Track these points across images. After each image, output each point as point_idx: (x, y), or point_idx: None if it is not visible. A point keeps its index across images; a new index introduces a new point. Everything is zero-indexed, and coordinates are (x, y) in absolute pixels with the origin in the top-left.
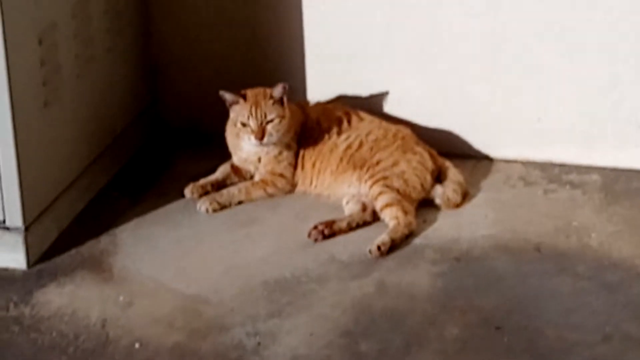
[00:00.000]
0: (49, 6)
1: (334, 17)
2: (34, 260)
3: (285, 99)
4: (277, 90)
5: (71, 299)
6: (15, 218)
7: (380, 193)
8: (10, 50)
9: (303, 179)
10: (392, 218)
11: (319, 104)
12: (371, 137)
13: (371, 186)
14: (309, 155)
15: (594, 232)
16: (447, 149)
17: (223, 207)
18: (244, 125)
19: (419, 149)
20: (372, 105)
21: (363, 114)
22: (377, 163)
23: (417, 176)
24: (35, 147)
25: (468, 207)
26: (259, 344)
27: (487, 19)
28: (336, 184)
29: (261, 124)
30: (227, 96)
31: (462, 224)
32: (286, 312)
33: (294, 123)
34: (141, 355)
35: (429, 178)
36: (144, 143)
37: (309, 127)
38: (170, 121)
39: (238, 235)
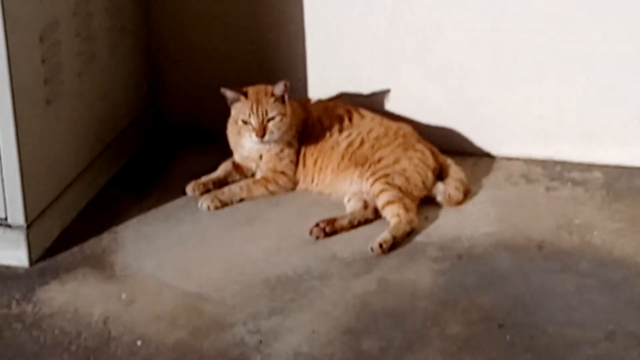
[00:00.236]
0: (50, 4)
1: (335, 15)
2: (36, 257)
3: (286, 97)
4: (279, 88)
5: (73, 297)
6: (17, 216)
7: (381, 191)
8: (11, 48)
9: (304, 176)
10: (393, 215)
11: (320, 102)
12: (372, 135)
13: (372, 184)
14: (311, 153)
15: (596, 230)
16: (449, 146)
17: (225, 204)
18: (245, 122)
19: (420, 146)
20: (373, 102)
21: (364, 112)
22: (379, 161)
23: (418, 174)
24: (37, 145)
25: (470, 204)
26: (260, 341)
27: (489, 17)
28: (337, 182)
29: (262, 121)
30: (228, 94)
31: (464, 222)
32: (288, 310)
33: (295, 121)
34: (143, 352)
35: (430, 175)
36: (145, 141)
37: (310, 124)
38: (171, 119)
39: (240, 232)
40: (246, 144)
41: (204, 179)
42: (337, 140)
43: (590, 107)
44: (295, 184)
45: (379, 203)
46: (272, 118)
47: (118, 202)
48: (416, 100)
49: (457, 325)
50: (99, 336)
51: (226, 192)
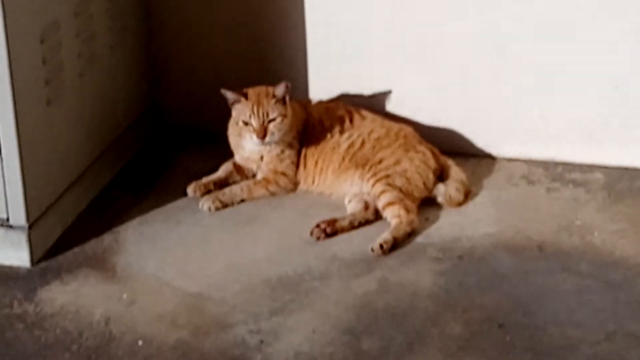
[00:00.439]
0: (50, 5)
1: (336, 15)
2: (37, 258)
3: (287, 98)
4: (280, 89)
5: (75, 297)
6: (18, 216)
7: (382, 192)
8: (12, 49)
9: (305, 177)
10: (394, 216)
11: (321, 103)
12: (373, 136)
13: (373, 185)
14: (311, 154)
15: (597, 231)
16: (450, 147)
17: (225, 205)
18: (245, 124)
19: (421, 147)
20: (374, 103)
21: (365, 113)
22: (380, 162)
23: (419, 175)
24: (38, 146)
25: (470, 205)
26: (261, 341)
27: (490, 17)
28: (338, 183)
29: (263, 122)
30: (229, 95)
31: (465, 223)
32: (289, 310)
33: (296, 122)
34: (144, 352)
35: (431, 176)
36: (146, 141)
37: (311, 125)
38: (172, 119)
39: (240, 233)
40: (247, 145)
41: (205, 179)
42: (338, 141)
43: (591, 108)
44: (296, 185)
45: (380, 204)
46: (273, 119)
47: (119, 203)
48: (417, 101)
49: (457, 326)
50: (101, 336)
51: (227, 193)
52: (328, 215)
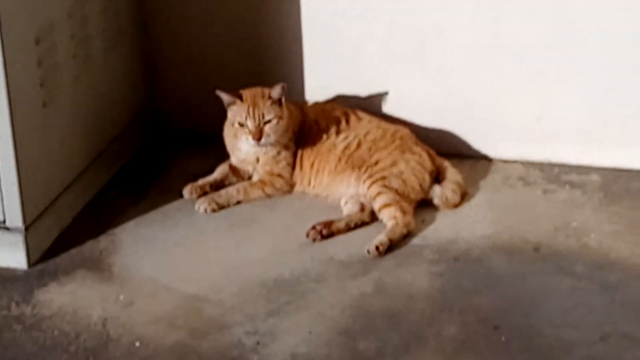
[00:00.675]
0: (45, 6)
1: (332, 17)
2: (34, 260)
3: (283, 100)
4: (276, 91)
5: (72, 298)
6: (15, 218)
7: (378, 193)
8: (7, 51)
9: (301, 179)
10: (390, 218)
11: (317, 104)
12: (370, 137)
13: (369, 186)
14: (307, 156)
15: (593, 232)
16: (446, 149)
17: (222, 207)
18: (241, 125)
19: (417, 149)
20: (370, 105)
21: (361, 114)
22: (376, 163)
23: (415, 176)
24: (34, 148)
25: (467, 207)
26: (258, 342)
27: (486, 18)
28: (334, 184)
29: (259, 124)
30: (224, 96)
31: (461, 224)
32: (285, 311)
33: (292, 123)
34: (141, 353)
35: (427, 178)
36: (142, 143)
37: (307, 127)
38: (168, 121)
39: (237, 235)
40: (243, 146)
41: (201, 181)
42: (334, 143)
43: (588, 109)
44: (292, 186)
45: (376, 206)
46: (269, 121)
47: (116, 205)
48: (413, 102)
49: (453, 327)
50: (98, 337)
51: (223, 194)
52: (324, 217)
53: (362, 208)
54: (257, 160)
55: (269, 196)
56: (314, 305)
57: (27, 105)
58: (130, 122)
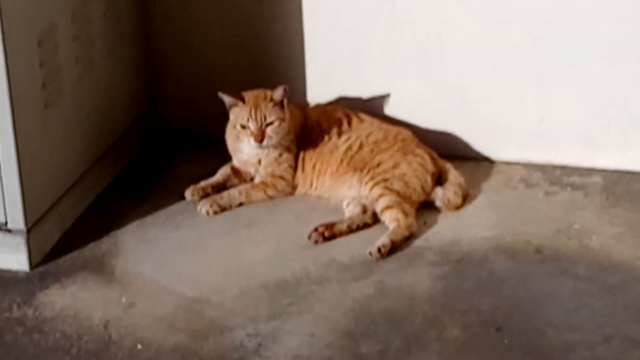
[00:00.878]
0: (48, 8)
1: (334, 19)
2: (36, 262)
3: (285, 102)
4: (278, 93)
5: (74, 301)
6: (17, 220)
7: (380, 195)
8: (9, 52)
9: (303, 181)
10: (392, 220)
11: (319, 106)
12: (371, 139)
13: (371, 188)
14: (309, 157)
15: (595, 234)
16: (448, 150)
17: (223, 209)
18: (243, 127)
19: (419, 151)
20: (372, 106)
21: (363, 116)
22: (378, 165)
23: (417, 178)
24: (36, 150)
25: (469, 209)
26: (260, 345)
27: (489, 21)
28: (336, 186)
29: (261, 126)
30: (226, 98)
31: (463, 226)
32: (287, 314)
33: (293, 125)
34: (143, 355)
35: (429, 180)
36: (144, 145)
37: (309, 128)
38: (170, 123)
39: (239, 237)
40: (245, 148)
41: (203, 183)
42: (336, 145)
43: (590, 111)
44: (294, 188)
45: (378, 207)
46: (271, 123)
47: (117, 207)
48: (415, 104)
49: (455, 329)
50: (100, 339)
51: (225, 196)
52: (326, 219)
53: (364, 210)
54: (259, 162)
55: (271, 198)
56: (315, 307)
57: (29, 107)
58: (132, 124)
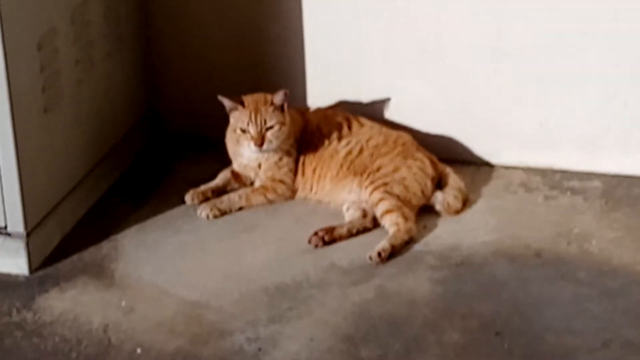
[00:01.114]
0: (48, 12)
1: (334, 23)
2: (36, 266)
3: (285, 106)
4: (278, 97)
5: (73, 305)
6: (16, 224)
7: (380, 199)
8: (9, 56)
9: (303, 185)
10: (392, 224)
11: (319, 110)
12: (372, 143)
13: (371, 192)
14: (309, 161)
15: (595, 239)
16: (448, 155)
17: (223, 213)
18: (243, 131)
19: (419, 155)
20: (372, 111)
21: (363, 120)
22: (378, 169)
23: (417, 182)
24: (36, 153)
25: (468, 213)
26: (259, 349)
27: (488, 25)
28: (336, 190)
29: (261, 130)
30: (226, 102)
31: (463, 230)
32: (287, 318)
33: (294, 129)
34: None
35: (429, 184)
36: (144, 149)
37: (309, 133)
38: (170, 127)
39: (239, 241)
40: (245, 152)
41: (203, 187)
42: (336, 149)
43: (590, 115)
44: (294, 192)
45: (378, 212)
46: (271, 127)
47: (117, 211)
48: (415, 108)
49: (455, 333)
50: (99, 344)
51: (225, 200)
52: (326, 223)
53: (364, 214)
54: (259, 166)
55: (271, 202)
56: (315, 311)
57: (29, 110)
58: (132, 128)
